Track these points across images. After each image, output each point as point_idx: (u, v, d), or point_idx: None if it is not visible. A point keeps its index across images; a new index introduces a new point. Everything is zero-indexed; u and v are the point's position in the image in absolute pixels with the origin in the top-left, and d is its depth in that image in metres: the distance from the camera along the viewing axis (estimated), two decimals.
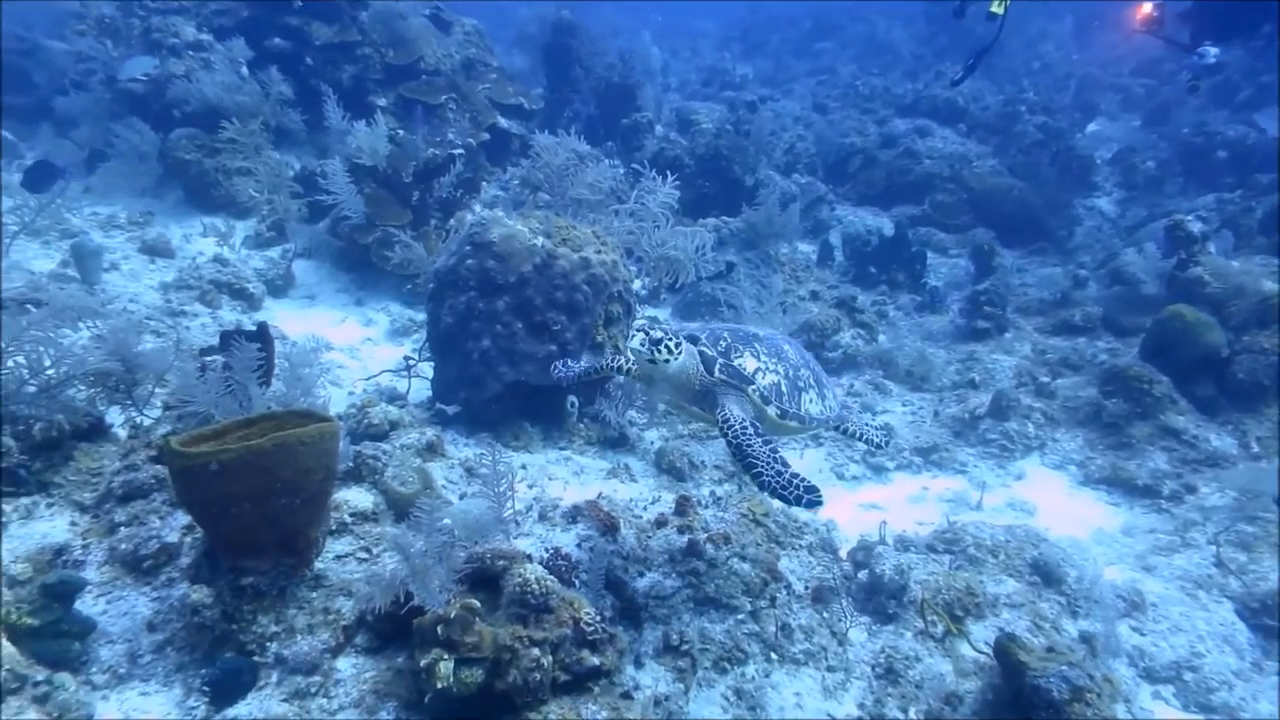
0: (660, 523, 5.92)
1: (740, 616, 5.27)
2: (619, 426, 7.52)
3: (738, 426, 4.42)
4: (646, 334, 4.38)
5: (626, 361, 4.79)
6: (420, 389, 7.79)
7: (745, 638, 5.16)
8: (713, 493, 7.09)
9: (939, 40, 25.43)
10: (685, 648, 5.01)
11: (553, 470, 6.98)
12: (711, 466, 7.51)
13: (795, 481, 4.24)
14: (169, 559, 4.67)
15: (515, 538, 5.64)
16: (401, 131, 10.23)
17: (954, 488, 8.12)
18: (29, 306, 5.30)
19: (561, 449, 7.33)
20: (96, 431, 5.27)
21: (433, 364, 7.67)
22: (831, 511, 7.55)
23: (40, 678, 3.78)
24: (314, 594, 4.53)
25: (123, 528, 4.77)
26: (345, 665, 4.36)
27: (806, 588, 5.71)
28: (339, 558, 4.92)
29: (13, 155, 11.38)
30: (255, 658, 4.22)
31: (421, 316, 8.13)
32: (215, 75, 10.62)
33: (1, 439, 4.85)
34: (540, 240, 7.11)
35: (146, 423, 5.41)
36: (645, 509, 6.28)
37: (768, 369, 4.69)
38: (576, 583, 5.12)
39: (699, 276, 8.71)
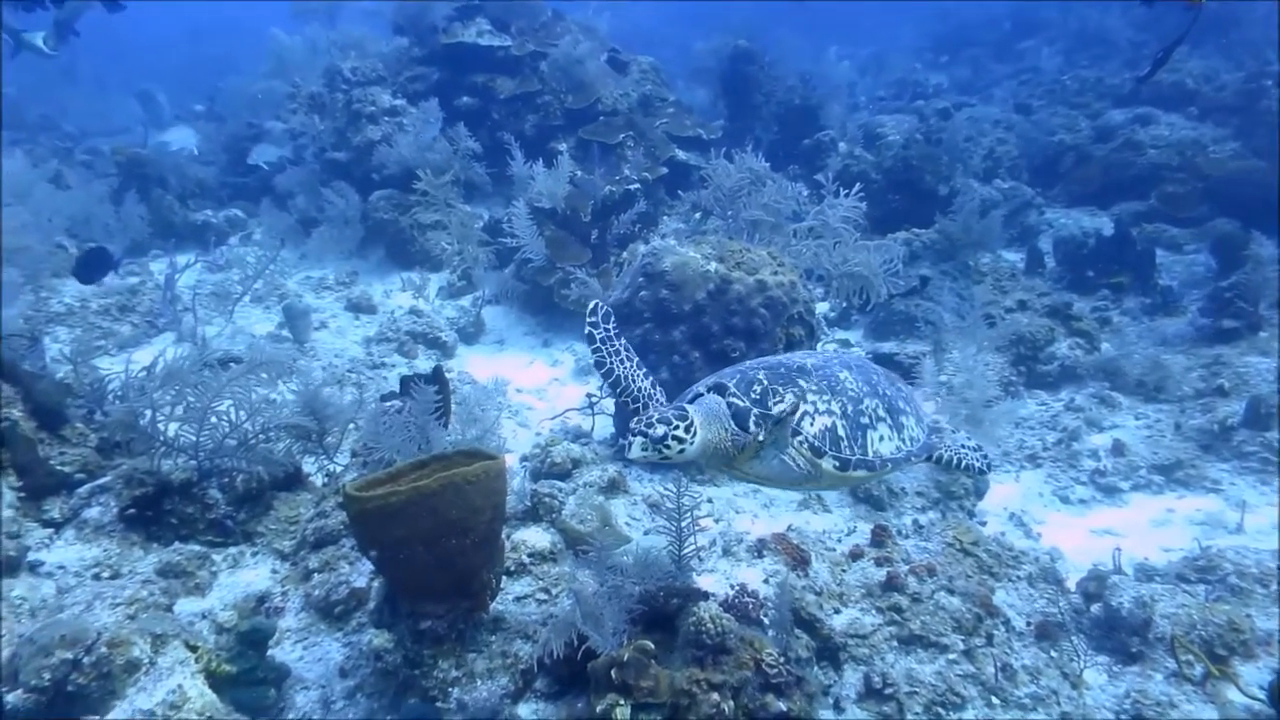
0: (855, 555, 5.55)
1: (952, 656, 4.80)
2: None
3: None
4: (645, 435, 3.54)
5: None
6: (605, 425, 7.72)
7: (960, 680, 4.68)
8: (915, 521, 6.58)
9: (1164, 23, 23.11)
10: (890, 691, 4.60)
11: (740, 503, 6.70)
12: (913, 494, 6.96)
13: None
14: (358, 604, 4.76)
15: (699, 574, 5.39)
16: (579, 172, 10.37)
17: (1206, 508, 7.10)
18: (231, 364, 5.64)
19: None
20: (295, 481, 5.52)
21: (615, 400, 7.59)
22: (1056, 538, 6.81)
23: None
24: (493, 637, 4.46)
25: (316, 574, 4.92)
26: (526, 711, 4.23)
27: (1029, 624, 5.16)
28: (518, 599, 4.84)
29: (241, 229, 12.55)
30: (438, 704, 4.17)
31: None
32: (409, 137, 11.26)
33: (209, 492, 5.16)
34: (714, 266, 6.89)
35: (338, 470, 5.61)
36: (839, 541, 5.92)
37: (818, 410, 3.84)
38: (765, 620, 4.79)
39: (890, 294, 8.17)
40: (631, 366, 4.26)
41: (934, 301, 9.63)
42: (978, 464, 4.54)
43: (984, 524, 6.81)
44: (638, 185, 10.47)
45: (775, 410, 3.77)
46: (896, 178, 12.35)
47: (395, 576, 4.31)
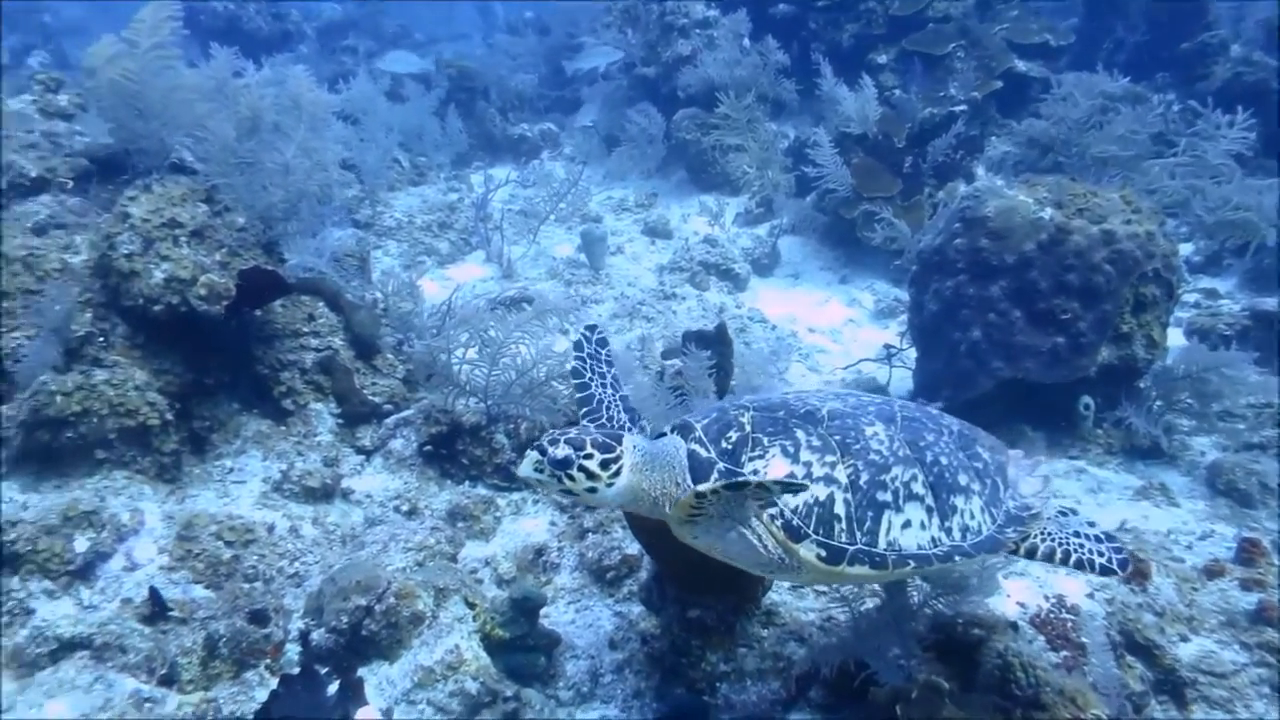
0: (1213, 572, 4.64)
1: None
2: (1151, 436, 6.03)
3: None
4: (542, 453, 2.84)
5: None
6: (903, 379, 7.06)
7: None
8: None
9: None
10: None
11: (1058, 485, 5.82)
12: None
13: None
14: (630, 571, 4.65)
15: (1006, 577, 4.74)
16: (897, 91, 9.41)
17: None
18: (523, 305, 5.67)
19: (1073, 459, 6.13)
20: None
21: (916, 353, 6.92)
22: None
23: (509, 693, 3.92)
24: (765, 632, 4.18)
25: (590, 534, 4.87)
26: None
27: None
28: (794, 589, 4.49)
29: (553, 143, 12.86)
30: (705, 698, 3.98)
31: None
32: (718, 53, 10.79)
33: (496, 436, 5.26)
34: (1048, 212, 5.91)
35: None
36: (1190, 547, 4.99)
37: (811, 476, 2.89)
38: (1087, 644, 4.11)
39: None
40: (611, 394, 3.54)
41: None
42: (1098, 561, 3.27)
43: None
44: (964, 106, 9.27)
45: (748, 470, 2.86)
46: None
47: (662, 560, 4.12)
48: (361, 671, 3.85)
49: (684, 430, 3.06)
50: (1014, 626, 3.92)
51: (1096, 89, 6.53)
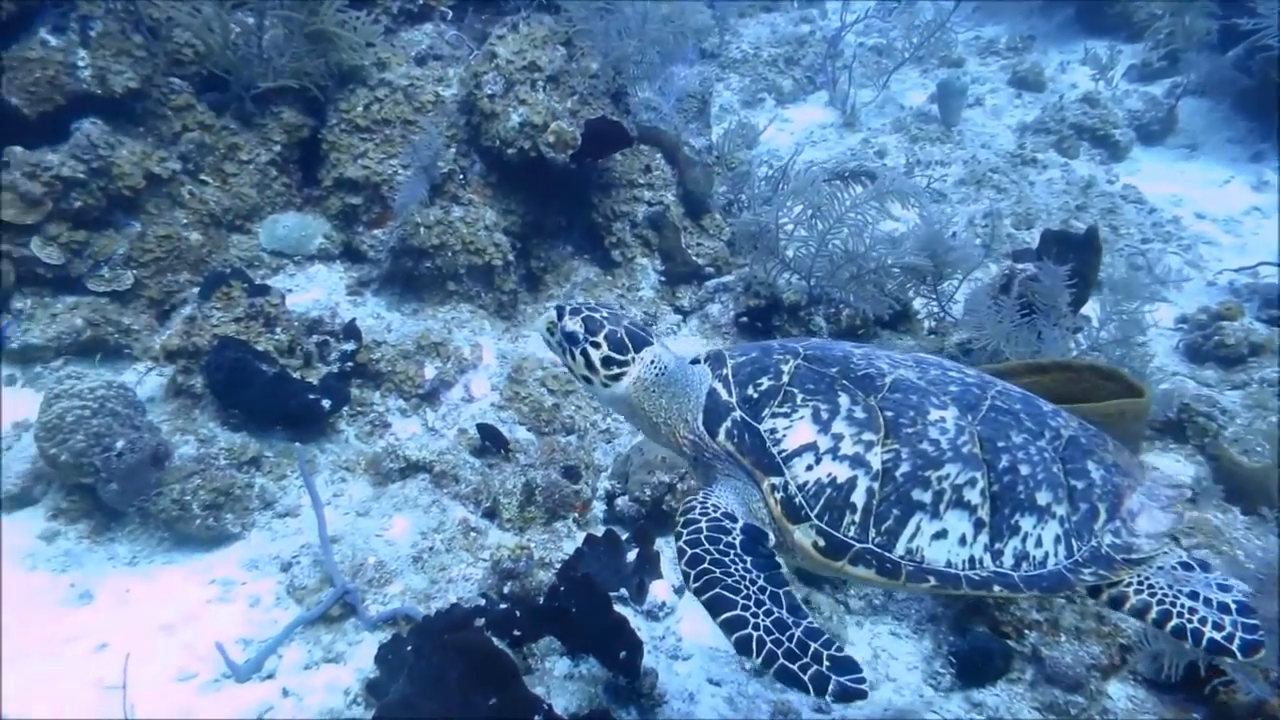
0: None
1: None
2: None
3: (699, 518, 2.46)
4: (557, 318, 2.63)
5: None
6: None
7: None
8: None
9: None
10: None
11: None
12: None
13: (812, 647, 2.19)
14: None
15: None
16: None
17: None
18: (863, 179, 5.26)
19: None
20: (902, 318, 5.15)
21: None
22: None
23: (800, 595, 3.89)
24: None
25: None
26: (1118, 693, 3.59)
27: None
28: None
29: None
30: (1009, 641, 3.75)
31: None
32: None
33: (815, 319, 5.05)
34: None
35: (949, 322, 5.08)
36: None
37: (837, 452, 2.41)
38: None
39: None
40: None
41: None
42: (1207, 634, 2.42)
43: None
44: None
45: (765, 427, 2.46)
46: None
47: None
48: (658, 544, 4.01)
49: (715, 362, 2.69)
50: None
51: None
